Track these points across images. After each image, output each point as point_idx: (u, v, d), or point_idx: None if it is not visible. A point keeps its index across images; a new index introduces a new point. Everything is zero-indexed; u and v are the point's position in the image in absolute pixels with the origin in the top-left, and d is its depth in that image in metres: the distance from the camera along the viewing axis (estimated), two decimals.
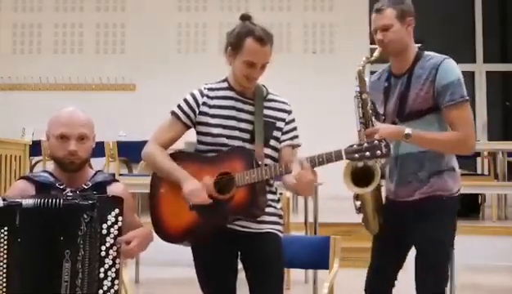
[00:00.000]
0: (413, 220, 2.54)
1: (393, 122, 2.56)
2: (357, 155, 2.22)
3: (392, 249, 2.63)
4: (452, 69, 2.48)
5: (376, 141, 2.22)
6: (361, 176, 2.43)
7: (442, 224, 2.53)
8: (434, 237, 2.50)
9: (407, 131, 2.42)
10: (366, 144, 2.23)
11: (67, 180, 2.27)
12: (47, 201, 2.09)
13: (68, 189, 2.22)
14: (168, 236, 2.40)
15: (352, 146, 2.24)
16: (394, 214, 2.58)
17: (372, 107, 2.55)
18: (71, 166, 2.25)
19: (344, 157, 2.24)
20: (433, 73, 2.47)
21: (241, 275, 2.46)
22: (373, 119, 2.52)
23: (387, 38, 2.50)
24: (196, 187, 2.30)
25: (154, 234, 2.41)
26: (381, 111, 2.61)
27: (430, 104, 2.49)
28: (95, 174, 2.34)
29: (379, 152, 2.20)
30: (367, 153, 2.21)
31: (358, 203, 2.61)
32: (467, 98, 2.47)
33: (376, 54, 2.53)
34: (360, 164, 2.34)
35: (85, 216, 2.08)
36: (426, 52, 2.56)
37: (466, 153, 2.55)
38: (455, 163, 2.58)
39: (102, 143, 6.98)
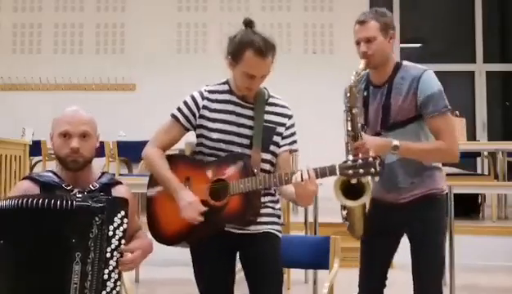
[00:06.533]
0: (408, 220, 2.57)
1: (378, 134, 2.56)
2: (350, 172, 2.21)
3: (381, 250, 2.67)
4: (433, 81, 2.51)
5: (370, 158, 2.19)
6: (351, 187, 2.40)
7: (438, 222, 2.59)
8: (432, 236, 2.55)
9: (395, 142, 2.43)
10: (360, 161, 2.20)
11: (72, 180, 2.24)
12: (59, 201, 2.03)
13: (75, 190, 2.19)
14: (164, 239, 2.39)
15: (346, 162, 2.22)
16: (384, 216, 2.60)
17: (361, 121, 2.54)
18: (74, 164, 2.22)
19: (338, 172, 2.22)
20: (414, 86, 2.49)
21: (240, 275, 2.46)
22: (361, 133, 2.50)
23: (371, 50, 2.51)
24: (190, 200, 2.29)
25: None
26: (361, 120, 2.59)
27: (413, 114, 2.51)
28: (101, 175, 2.33)
29: (373, 169, 2.18)
30: (361, 171, 2.20)
31: (345, 212, 2.64)
32: (450, 108, 2.51)
33: (362, 66, 2.52)
34: (353, 181, 2.30)
35: (97, 219, 2.05)
36: (404, 62, 2.59)
37: (453, 161, 2.59)
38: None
39: (102, 143, 6.97)
